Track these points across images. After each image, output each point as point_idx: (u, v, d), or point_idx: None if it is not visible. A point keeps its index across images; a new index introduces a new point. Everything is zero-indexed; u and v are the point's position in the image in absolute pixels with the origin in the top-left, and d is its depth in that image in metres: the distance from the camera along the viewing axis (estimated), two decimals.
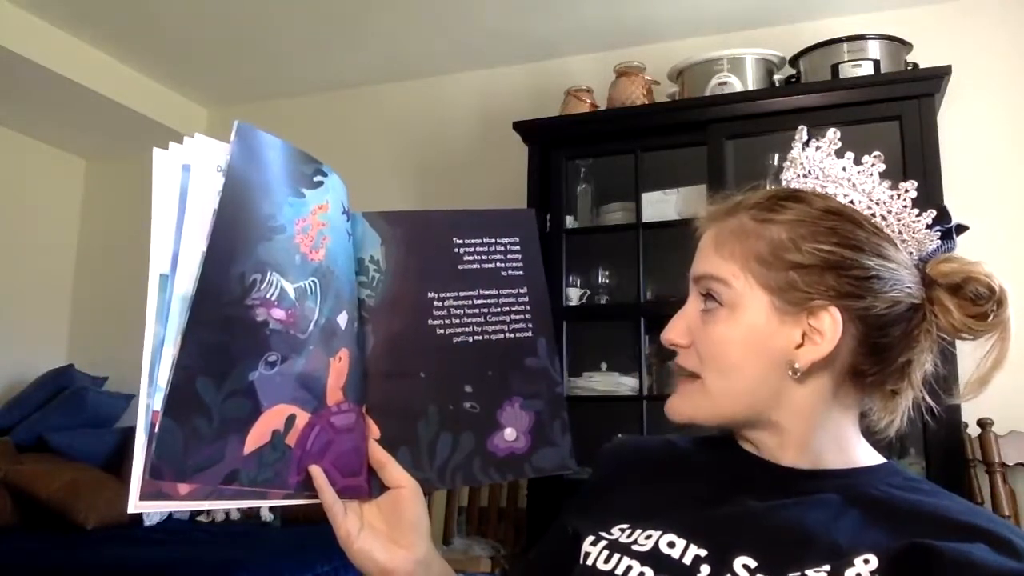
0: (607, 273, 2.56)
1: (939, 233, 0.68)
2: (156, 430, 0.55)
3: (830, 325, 0.63)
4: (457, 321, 0.73)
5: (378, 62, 3.09)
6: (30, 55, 2.73)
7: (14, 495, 2.59)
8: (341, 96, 3.34)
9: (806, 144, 0.72)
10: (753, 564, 0.59)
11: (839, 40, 2.26)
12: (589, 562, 0.67)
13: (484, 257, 0.76)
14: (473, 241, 0.76)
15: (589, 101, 2.56)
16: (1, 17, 2.64)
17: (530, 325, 0.75)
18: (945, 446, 1.98)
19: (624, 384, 2.39)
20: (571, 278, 2.50)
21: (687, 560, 0.62)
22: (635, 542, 0.65)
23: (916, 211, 0.68)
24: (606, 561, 0.65)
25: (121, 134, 3.39)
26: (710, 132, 2.31)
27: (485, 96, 3.09)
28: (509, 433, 0.72)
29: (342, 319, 0.68)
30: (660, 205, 2.39)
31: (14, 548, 2.24)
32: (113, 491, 2.60)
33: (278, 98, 3.42)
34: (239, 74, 3.23)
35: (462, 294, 0.74)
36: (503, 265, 0.76)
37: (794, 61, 2.36)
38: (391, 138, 3.22)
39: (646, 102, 2.47)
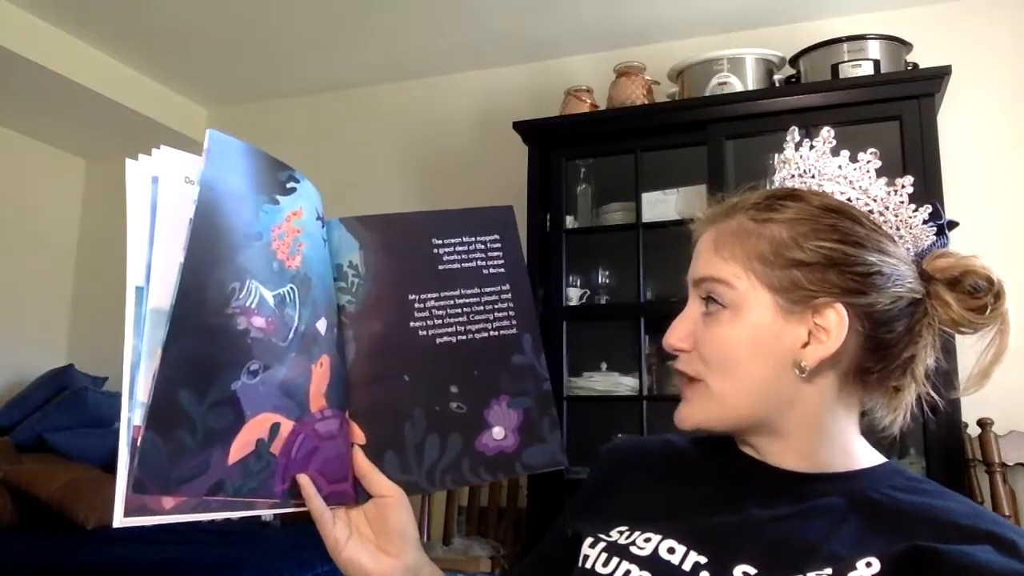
0: (607, 273, 2.56)
1: (935, 229, 0.68)
2: (139, 444, 0.55)
3: (836, 322, 0.63)
4: (440, 322, 0.73)
5: (378, 62, 3.09)
6: (30, 55, 2.73)
7: (14, 495, 2.59)
8: (341, 96, 3.34)
9: (799, 144, 0.72)
10: (753, 572, 0.59)
11: (839, 40, 2.25)
12: (588, 565, 0.66)
13: (464, 256, 0.75)
14: (452, 241, 0.75)
15: (589, 101, 2.56)
16: (1, 17, 2.64)
17: (514, 322, 0.75)
18: (945, 446, 1.97)
19: (624, 384, 2.39)
20: (571, 278, 2.50)
21: (687, 566, 0.61)
22: (633, 544, 0.65)
23: (912, 207, 0.68)
24: (605, 564, 0.65)
25: (121, 134, 3.39)
26: (710, 132, 2.30)
27: (485, 96, 3.09)
28: (497, 432, 0.72)
29: (321, 325, 0.68)
30: (660, 205, 2.38)
31: (14, 548, 2.24)
32: (113, 491, 2.59)
33: (278, 98, 3.42)
34: (239, 74, 3.23)
35: (444, 294, 0.74)
36: (484, 263, 0.76)
37: (794, 61, 2.36)
38: (391, 138, 3.22)
39: (646, 102, 2.47)
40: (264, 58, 3.09)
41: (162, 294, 0.58)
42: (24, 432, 2.92)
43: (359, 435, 0.69)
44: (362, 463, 0.69)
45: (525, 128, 2.52)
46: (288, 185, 0.67)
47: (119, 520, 0.55)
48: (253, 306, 0.62)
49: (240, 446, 0.60)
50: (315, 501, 0.64)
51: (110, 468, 2.82)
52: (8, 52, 2.66)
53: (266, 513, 0.65)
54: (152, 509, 0.56)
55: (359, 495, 0.69)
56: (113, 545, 2.28)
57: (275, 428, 0.62)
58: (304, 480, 0.64)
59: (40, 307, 3.52)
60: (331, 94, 3.35)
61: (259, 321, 0.62)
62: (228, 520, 2.73)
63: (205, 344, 0.58)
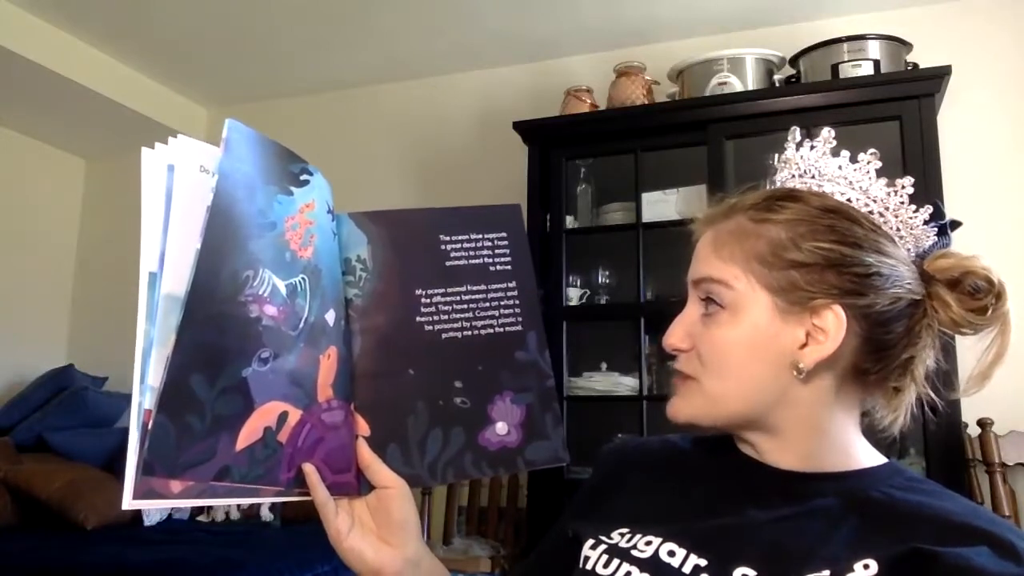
0: (607, 273, 2.56)
1: (936, 229, 0.68)
2: (149, 427, 0.55)
3: (834, 323, 0.63)
4: (445, 317, 0.73)
5: (378, 62, 3.09)
6: (30, 55, 2.73)
7: (14, 495, 2.59)
8: (341, 96, 3.34)
9: (799, 144, 0.72)
10: (753, 574, 0.59)
11: (839, 40, 2.26)
12: (588, 566, 0.67)
13: (471, 253, 0.76)
14: (460, 238, 0.76)
15: (589, 101, 2.56)
16: (1, 17, 2.64)
17: (519, 319, 0.75)
18: (945, 446, 1.97)
19: (624, 384, 2.39)
20: (571, 278, 2.50)
21: (687, 569, 0.62)
22: (634, 547, 0.65)
23: (913, 207, 0.68)
24: (605, 566, 0.65)
25: (121, 134, 3.39)
26: (710, 132, 2.31)
27: (485, 96, 3.09)
28: (501, 427, 0.72)
29: (330, 317, 0.68)
30: (660, 205, 2.39)
31: (14, 548, 2.24)
32: (113, 491, 2.60)
33: (278, 98, 3.42)
34: (239, 74, 3.23)
35: (450, 290, 0.74)
36: (491, 260, 0.76)
37: (794, 61, 2.36)
38: (391, 138, 3.22)
39: (646, 102, 2.47)
40: (264, 58, 3.09)
41: (175, 280, 0.58)
42: (24, 432, 2.92)
43: (363, 427, 0.70)
44: (365, 454, 0.69)
45: (525, 128, 2.52)
46: (302, 177, 0.68)
47: (127, 502, 0.55)
48: (266, 295, 0.62)
49: (248, 433, 0.60)
50: (319, 490, 0.65)
51: (110, 468, 2.83)
52: (8, 52, 2.67)
53: (270, 501, 0.66)
54: (159, 493, 0.56)
55: (362, 486, 0.70)
56: (113, 545, 2.28)
57: (283, 416, 0.63)
58: (309, 469, 0.64)
59: (40, 307, 3.52)
60: (331, 94, 3.35)
61: (271, 310, 0.62)
62: (228, 519, 2.74)
63: (218, 330, 0.59)
